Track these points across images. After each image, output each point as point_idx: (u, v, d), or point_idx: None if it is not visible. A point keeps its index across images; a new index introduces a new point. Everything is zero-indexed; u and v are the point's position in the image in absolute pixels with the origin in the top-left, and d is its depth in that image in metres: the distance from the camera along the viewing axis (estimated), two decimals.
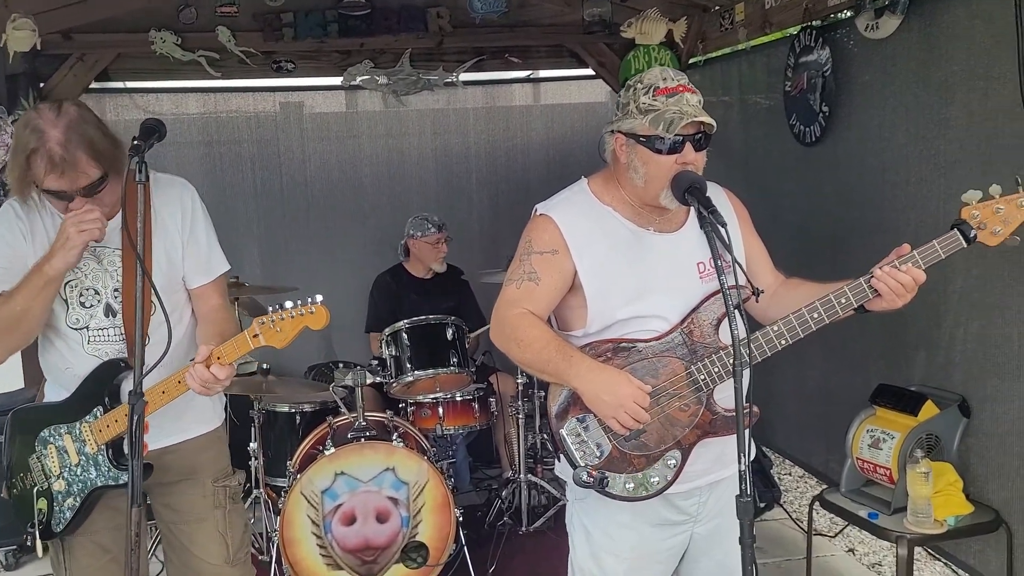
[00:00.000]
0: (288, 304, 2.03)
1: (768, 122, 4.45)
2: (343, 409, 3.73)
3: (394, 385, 3.99)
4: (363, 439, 3.51)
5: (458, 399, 4.18)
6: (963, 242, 2.08)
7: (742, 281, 2.09)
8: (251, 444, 3.96)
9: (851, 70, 3.70)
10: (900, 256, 2.10)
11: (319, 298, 2.05)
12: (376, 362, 4.09)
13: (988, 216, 2.08)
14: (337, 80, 4.98)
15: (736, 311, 1.92)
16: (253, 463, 3.95)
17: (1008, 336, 3.01)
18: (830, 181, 3.97)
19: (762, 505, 4.34)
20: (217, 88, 5.12)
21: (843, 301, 2.11)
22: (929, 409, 3.20)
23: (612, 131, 2.18)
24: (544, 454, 4.60)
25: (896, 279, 2.07)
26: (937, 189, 3.28)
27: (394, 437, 3.54)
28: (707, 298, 2.16)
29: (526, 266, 2.16)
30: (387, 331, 4.03)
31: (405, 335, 3.98)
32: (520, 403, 4.24)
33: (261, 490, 3.95)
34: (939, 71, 3.22)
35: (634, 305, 2.13)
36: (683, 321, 2.14)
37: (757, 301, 2.19)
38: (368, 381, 3.69)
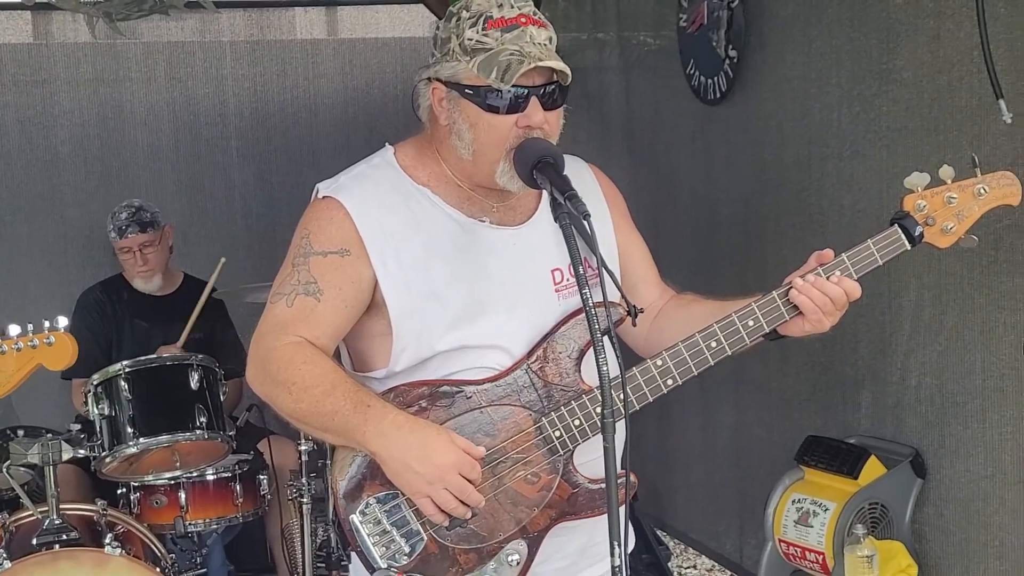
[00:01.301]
0: (13, 330, 1.91)
1: (656, 71, 4.60)
2: (25, 501, 3.58)
3: (108, 461, 3.85)
4: (58, 545, 3.39)
5: (210, 479, 4.10)
6: (906, 243, 2.18)
7: (614, 296, 2.12)
8: None
9: (766, 1, 3.88)
10: (823, 263, 2.18)
11: (62, 322, 1.93)
12: (79, 426, 3.93)
13: (938, 208, 2.19)
14: None
15: (606, 339, 1.95)
16: None
17: (970, 367, 3.22)
18: (738, 153, 4.15)
19: None
20: None
21: (751, 323, 2.18)
22: (873, 468, 3.37)
23: (428, 79, 2.21)
24: (341, 554, 4.55)
25: (822, 291, 2.15)
26: (878, 165, 3.49)
27: (108, 540, 3.41)
28: (565, 320, 2.20)
29: (301, 273, 2.16)
30: (96, 378, 3.90)
31: (125, 383, 3.86)
32: (305, 480, 4.18)
33: None
34: (879, 5, 3.43)
35: (461, 331, 2.16)
36: (531, 354, 2.17)
37: (635, 324, 2.21)
38: (66, 456, 3.56)
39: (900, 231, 2.17)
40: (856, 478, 3.33)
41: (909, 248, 2.18)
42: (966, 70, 3.12)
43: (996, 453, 3.14)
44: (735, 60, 4.01)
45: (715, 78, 4.12)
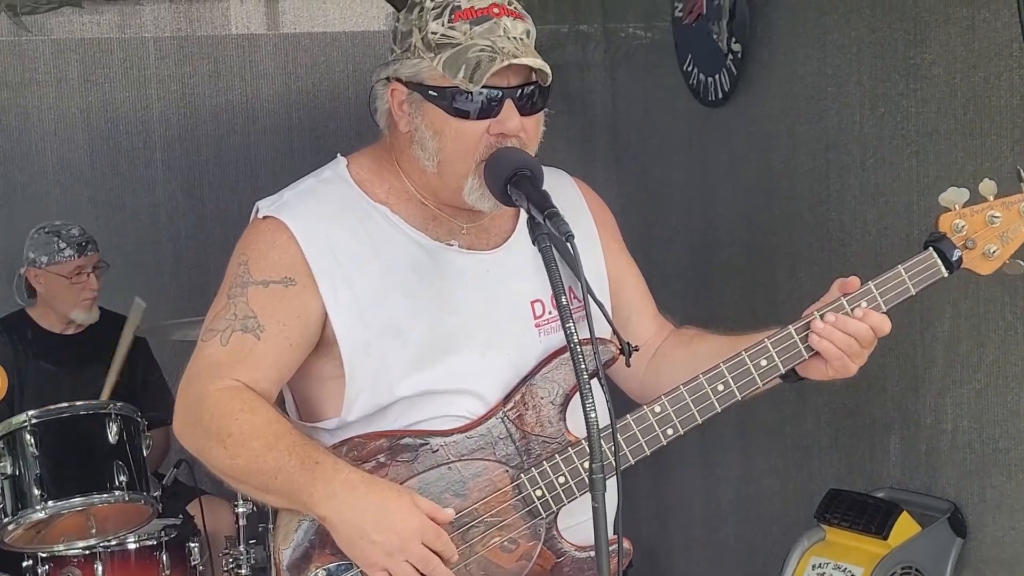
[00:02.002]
0: None
1: (648, 68, 4.60)
2: None
3: (11, 528, 3.81)
4: None
5: (131, 548, 4.06)
6: (943, 269, 2.19)
7: (604, 332, 2.11)
8: None
9: None
10: (848, 294, 2.19)
11: None
12: None
13: (979, 228, 2.19)
14: None
15: (594, 381, 1.95)
16: None
17: (1014, 407, 3.22)
18: (743, 162, 4.14)
19: None
20: None
21: (764, 363, 2.18)
22: (905, 527, 3.36)
23: (386, 79, 2.21)
24: None
25: (846, 331, 2.15)
26: (906, 175, 3.49)
27: None
28: (547, 360, 2.19)
29: (239, 306, 2.16)
30: None
31: (31, 437, 3.82)
32: (243, 549, 4.14)
33: None
34: None
35: (425, 373, 2.16)
36: (508, 399, 2.17)
37: (629, 365, 2.22)
38: None
39: (935, 255, 2.18)
40: (886, 538, 3.33)
41: (946, 275, 2.19)
42: (1005, 65, 3.13)
43: None
44: (739, 55, 4.01)
45: (716, 76, 4.12)
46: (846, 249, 3.71)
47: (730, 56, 4.04)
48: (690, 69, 4.27)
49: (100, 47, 5.42)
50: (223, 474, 2.15)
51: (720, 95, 4.13)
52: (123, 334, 4.39)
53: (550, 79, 2.14)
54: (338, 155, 2.29)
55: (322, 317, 2.14)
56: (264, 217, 2.19)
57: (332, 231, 2.16)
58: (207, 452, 2.13)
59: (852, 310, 2.16)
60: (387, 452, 2.12)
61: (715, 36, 4.09)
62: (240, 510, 4.11)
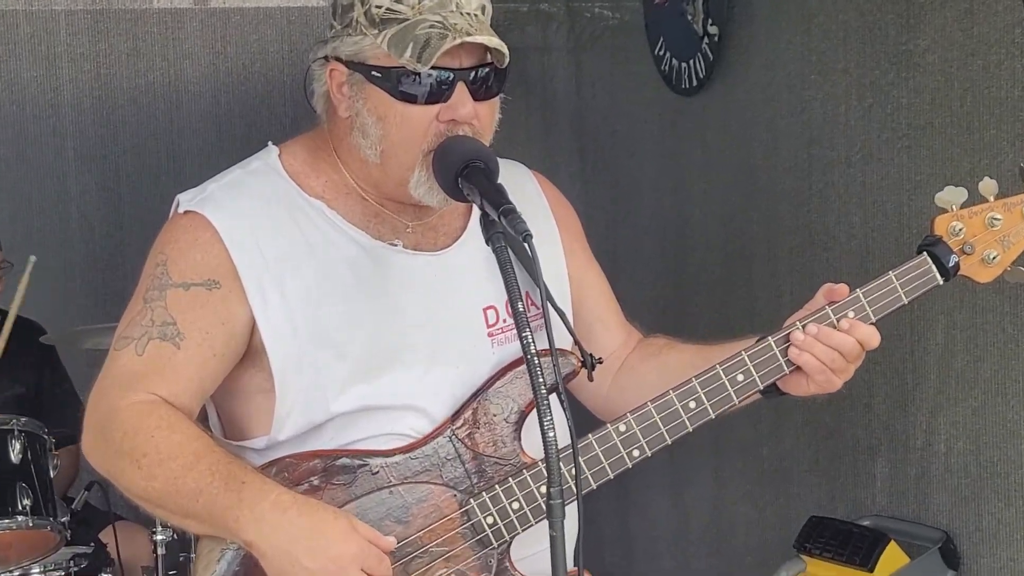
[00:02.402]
0: None
1: (615, 52, 4.63)
2: None
3: None
4: None
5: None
6: (938, 276, 2.20)
7: (565, 342, 2.12)
8: None
9: None
10: (834, 302, 2.19)
11: None
12: None
13: (977, 231, 2.20)
14: None
15: (553, 397, 1.95)
16: None
17: (1014, 428, 3.23)
18: (719, 157, 4.17)
19: None
20: None
21: (740, 378, 2.19)
22: (893, 558, 3.37)
23: (325, 58, 2.21)
24: None
25: (830, 344, 2.16)
26: (896, 172, 3.51)
27: None
28: (501, 373, 2.20)
29: (156, 311, 2.15)
30: None
31: None
32: None
33: None
34: None
35: (364, 387, 2.16)
36: (457, 416, 2.18)
37: (592, 379, 2.23)
38: None
39: (930, 261, 2.19)
40: (872, 570, 3.33)
41: (941, 283, 2.20)
42: (1006, 53, 3.15)
43: None
44: (715, 38, 4.02)
45: (690, 61, 4.14)
46: (831, 253, 3.73)
47: (706, 40, 4.06)
48: (662, 53, 4.29)
49: (4, 20, 5.34)
50: (139, 497, 2.13)
51: (694, 82, 4.15)
52: (18, 292, 4.32)
53: (507, 60, 2.14)
54: (269, 143, 2.28)
55: (249, 324, 2.14)
56: (185, 212, 2.18)
57: (261, 229, 2.16)
58: (120, 473, 2.11)
59: (838, 320, 2.16)
60: (321, 474, 2.10)
61: (690, 17, 4.11)
62: (158, 537, 4.06)
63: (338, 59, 2.16)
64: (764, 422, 4.00)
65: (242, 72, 5.64)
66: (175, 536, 4.09)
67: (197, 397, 2.16)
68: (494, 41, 2.10)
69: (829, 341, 2.15)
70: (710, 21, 4.03)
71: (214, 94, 5.61)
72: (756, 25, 3.94)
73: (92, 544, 4.21)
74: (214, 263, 2.13)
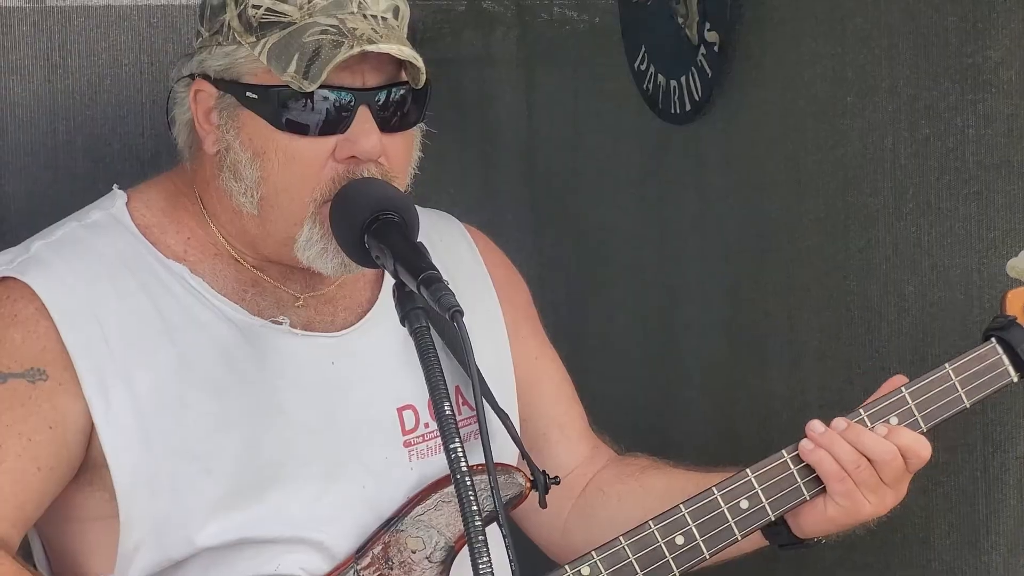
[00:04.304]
0: None
1: (581, 65, 4.59)
2: None
3: None
4: None
5: None
6: (1011, 370, 2.28)
7: (509, 455, 2.21)
8: None
9: None
10: (881, 397, 2.30)
11: None
12: None
13: None
14: None
15: (494, 530, 2.01)
16: None
17: None
18: (720, 204, 4.11)
19: None
20: None
21: (744, 505, 2.24)
22: None
23: (190, 76, 2.27)
24: None
25: (857, 445, 2.24)
26: (961, 227, 3.41)
27: None
28: (422, 496, 2.24)
29: None
30: None
31: None
32: None
33: None
34: None
35: (239, 514, 2.24)
36: (363, 553, 2.22)
37: (544, 505, 2.27)
38: None
39: (1000, 350, 2.27)
40: None
41: (1016, 380, 2.27)
42: None
43: None
44: (716, 48, 3.97)
45: (682, 78, 4.09)
46: (874, 336, 3.65)
47: (703, 50, 4.02)
48: (644, 67, 4.25)
49: None
50: None
51: (688, 106, 4.10)
52: None
53: (424, 78, 2.17)
54: (114, 187, 2.35)
55: (86, 429, 2.18)
56: (2, 279, 2.22)
57: (103, 302, 2.21)
58: None
59: (872, 426, 2.25)
60: None
61: (681, 20, 4.08)
62: None
63: (206, 77, 2.21)
64: (782, 563, 3.93)
65: (87, 91, 5.60)
66: None
67: (17, 525, 2.18)
68: (405, 52, 2.13)
69: (858, 441, 2.23)
70: (708, 25, 3.98)
71: (49, 120, 5.57)
72: (771, 30, 3.88)
73: None
74: (39, 347, 2.19)
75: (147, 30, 5.67)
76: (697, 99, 4.07)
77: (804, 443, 2.30)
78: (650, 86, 4.24)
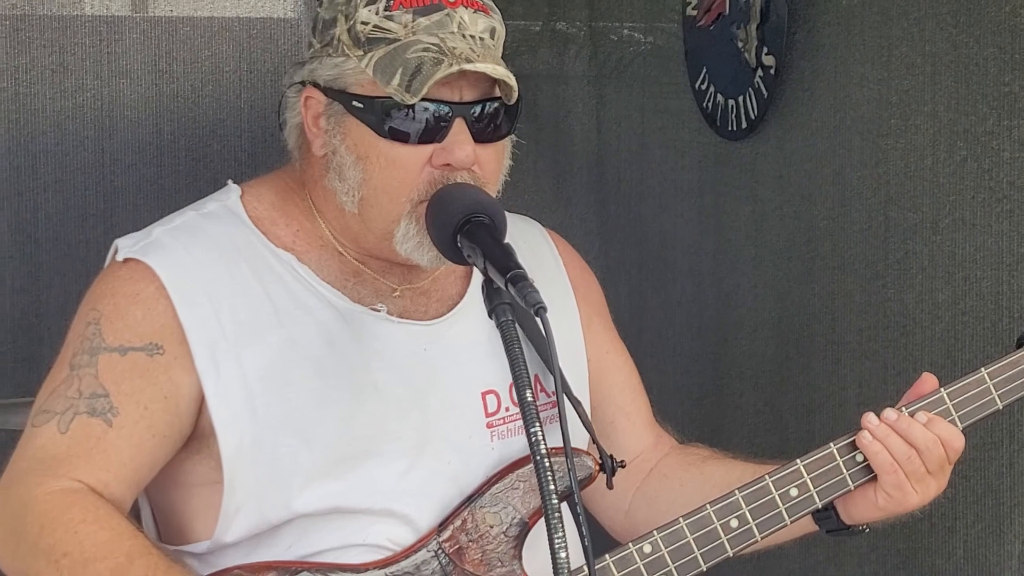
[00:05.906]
0: None
1: (647, 83, 4.63)
2: None
3: None
4: None
5: None
6: None
7: (580, 440, 2.17)
8: None
9: None
10: (921, 396, 2.28)
11: None
12: None
13: None
14: None
15: (565, 507, 1.98)
16: None
17: None
18: (772, 216, 4.16)
19: None
20: None
21: (794, 493, 2.23)
22: None
23: (301, 83, 2.25)
24: None
25: (908, 437, 2.21)
26: (995, 242, 3.47)
27: None
28: (501, 475, 2.23)
29: (85, 380, 2.16)
30: None
31: None
32: None
33: None
34: None
35: (333, 484, 2.18)
36: (445, 526, 2.19)
37: (611, 486, 2.25)
38: None
39: None
40: None
41: None
42: None
43: None
44: (772, 71, 4.02)
45: (740, 98, 4.15)
46: (910, 339, 3.70)
47: (760, 72, 4.07)
48: (704, 87, 4.30)
49: None
50: None
51: (744, 124, 4.15)
52: None
53: (515, 95, 2.18)
54: (229, 182, 2.34)
55: (197, 401, 2.15)
56: (125, 260, 2.20)
57: (217, 284, 2.18)
58: (28, 573, 2.10)
59: (914, 415, 2.23)
60: None
61: (740, 44, 4.12)
62: None
63: (316, 85, 2.20)
64: (819, 547, 3.93)
65: (190, 95, 5.62)
66: None
67: (131, 486, 2.16)
68: (499, 71, 2.14)
69: (908, 432, 2.21)
70: (765, 49, 4.02)
71: (155, 121, 5.59)
72: (822, 56, 3.93)
73: None
74: (158, 323, 2.15)
75: (247, 40, 5.74)
76: (753, 118, 4.12)
77: (863, 435, 2.23)
78: (709, 105, 4.29)
